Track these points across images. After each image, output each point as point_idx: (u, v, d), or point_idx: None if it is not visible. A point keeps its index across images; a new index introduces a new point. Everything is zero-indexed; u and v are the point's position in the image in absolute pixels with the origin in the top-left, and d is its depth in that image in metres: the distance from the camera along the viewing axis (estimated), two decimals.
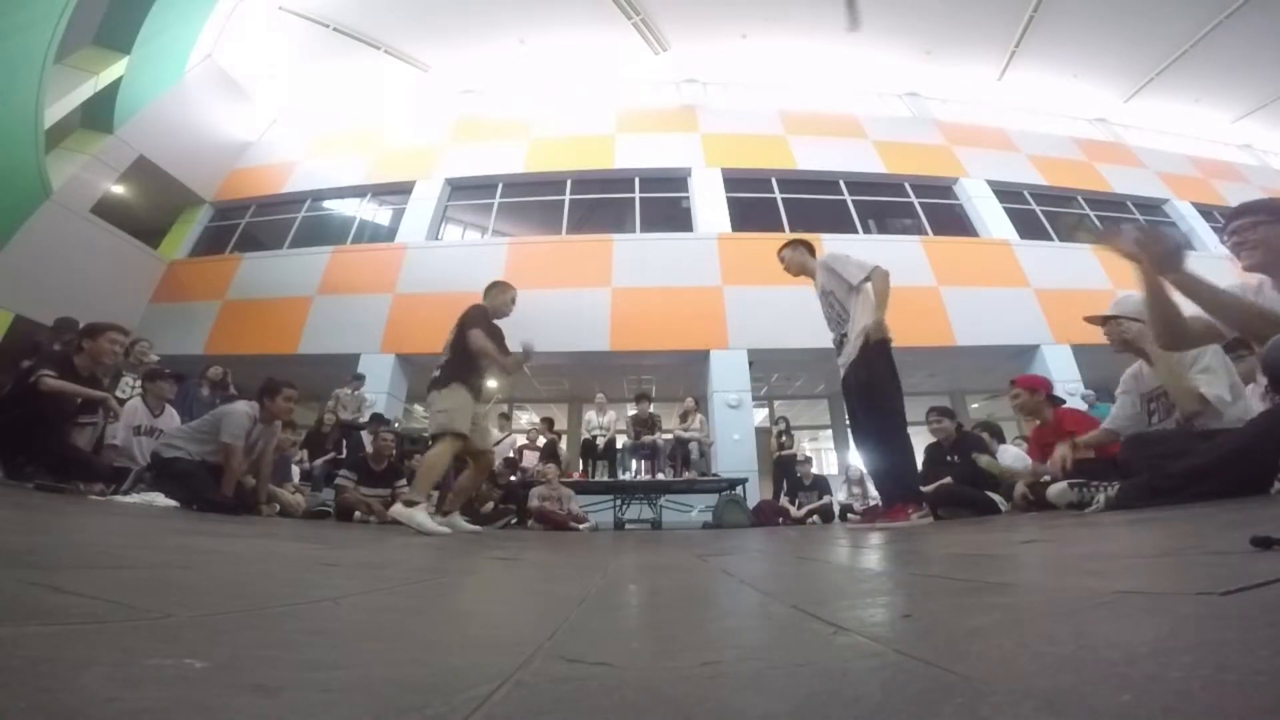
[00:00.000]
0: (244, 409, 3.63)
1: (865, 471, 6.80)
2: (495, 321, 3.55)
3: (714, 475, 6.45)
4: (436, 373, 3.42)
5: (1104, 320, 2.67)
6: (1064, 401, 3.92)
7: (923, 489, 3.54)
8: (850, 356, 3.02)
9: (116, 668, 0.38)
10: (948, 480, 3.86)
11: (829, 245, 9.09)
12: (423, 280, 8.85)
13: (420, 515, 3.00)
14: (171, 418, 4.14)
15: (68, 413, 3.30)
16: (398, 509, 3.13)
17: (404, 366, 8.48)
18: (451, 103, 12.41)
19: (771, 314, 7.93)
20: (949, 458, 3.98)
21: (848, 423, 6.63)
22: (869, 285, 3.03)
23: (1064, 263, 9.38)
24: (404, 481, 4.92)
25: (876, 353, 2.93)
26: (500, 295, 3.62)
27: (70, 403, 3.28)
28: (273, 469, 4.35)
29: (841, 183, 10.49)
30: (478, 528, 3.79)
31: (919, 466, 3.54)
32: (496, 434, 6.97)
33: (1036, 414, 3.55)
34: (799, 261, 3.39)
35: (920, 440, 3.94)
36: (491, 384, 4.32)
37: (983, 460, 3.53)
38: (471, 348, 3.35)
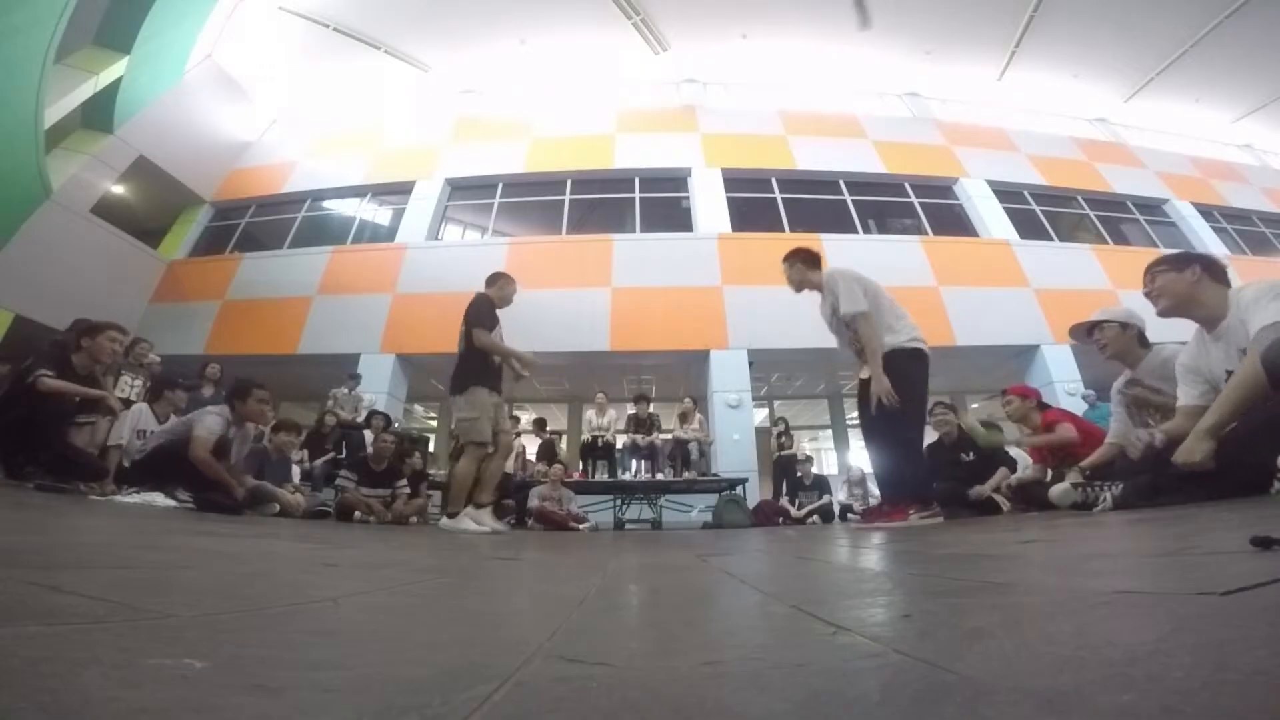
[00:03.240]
0: (216, 413, 3.62)
1: (865, 471, 6.83)
2: (497, 312, 3.70)
3: (714, 475, 6.45)
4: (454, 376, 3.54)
5: (1089, 330, 2.67)
6: (1049, 408, 3.90)
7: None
8: (877, 376, 2.91)
9: (116, 668, 0.38)
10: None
11: (829, 245, 9.13)
12: (423, 280, 8.85)
13: (466, 522, 3.26)
14: None
15: (66, 412, 3.30)
16: (445, 523, 3.37)
17: (404, 366, 8.48)
18: (451, 103, 12.42)
19: (771, 314, 7.92)
20: (963, 455, 3.87)
21: (781, 452, 6.53)
22: (859, 323, 2.98)
23: (1064, 263, 9.39)
24: (404, 482, 4.93)
25: (901, 363, 2.91)
26: (507, 287, 3.81)
27: (69, 402, 3.28)
28: (274, 469, 4.36)
29: (841, 183, 10.49)
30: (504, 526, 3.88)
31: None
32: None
33: (1025, 420, 3.63)
34: (798, 279, 3.28)
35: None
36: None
37: (978, 433, 3.53)
38: (479, 345, 3.47)
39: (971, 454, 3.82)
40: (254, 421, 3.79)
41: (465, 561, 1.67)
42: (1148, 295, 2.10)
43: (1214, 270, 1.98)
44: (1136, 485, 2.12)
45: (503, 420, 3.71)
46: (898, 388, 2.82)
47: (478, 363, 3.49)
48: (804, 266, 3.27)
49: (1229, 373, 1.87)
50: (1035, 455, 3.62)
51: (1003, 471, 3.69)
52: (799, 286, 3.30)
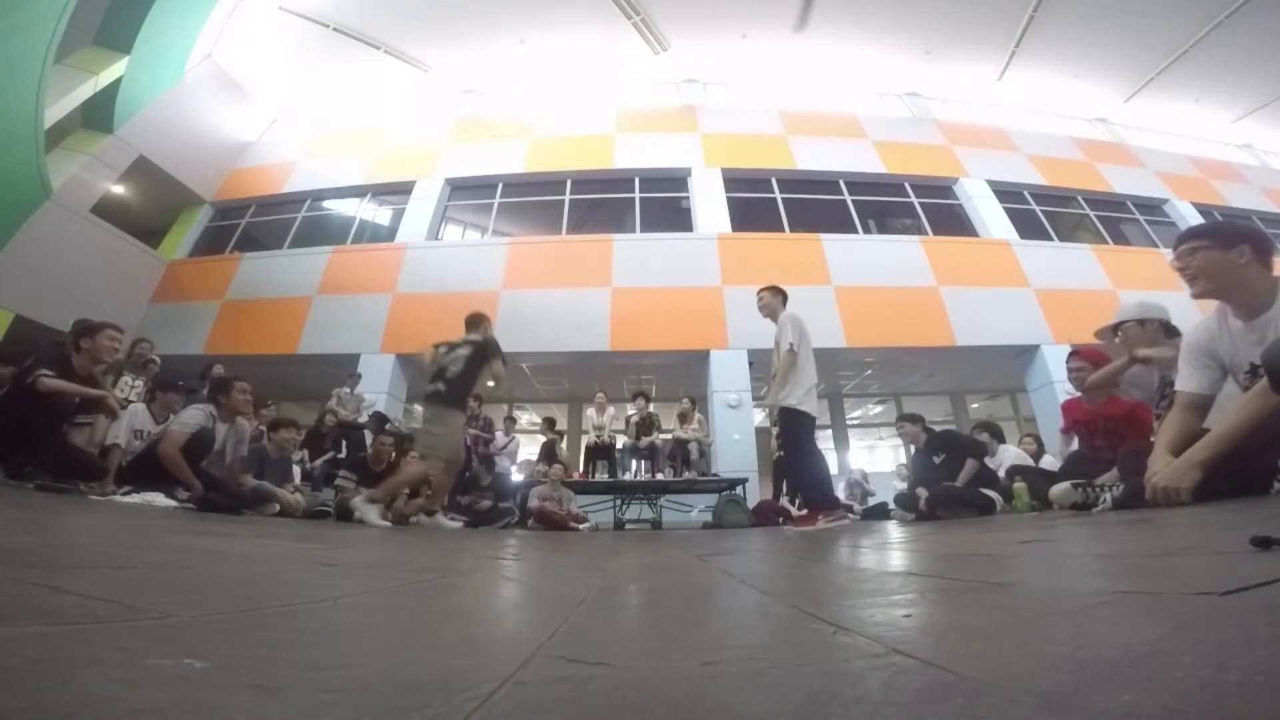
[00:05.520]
0: (197, 408, 3.66)
1: (865, 472, 6.82)
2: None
3: (714, 475, 6.45)
4: (441, 386, 3.78)
5: (1114, 330, 2.61)
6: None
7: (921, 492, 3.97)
8: (774, 405, 3.75)
9: (116, 668, 0.38)
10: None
11: (829, 245, 9.16)
12: (423, 280, 8.85)
13: (373, 513, 3.55)
14: None
15: (66, 412, 3.30)
16: (358, 500, 3.60)
17: (404, 366, 8.48)
18: (451, 103, 12.42)
19: None
20: (935, 457, 4.07)
21: (781, 452, 6.61)
22: (787, 357, 3.63)
23: (1064, 263, 9.38)
24: None
25: (788, 414, 3.61)
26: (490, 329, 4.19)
27: (69, 402, 3.28)
28: (274, 469, 4.36)
29: (841, 183, 10.49)
30: (458, 523, 4.07)
31: (910, 475, 4.17)
32: (502, 438, 6.99)
33: (1092, 392, 3.16)
34: (771, 306, 3.93)
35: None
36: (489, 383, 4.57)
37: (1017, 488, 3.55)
38: (497, 376, 3.92)
39: (943, 454, 4.05)
40: (240, 414, 3.79)
41: (465, 562, 1.67)
42: (1181, 271, 1.78)
43: (1264, 252, 1.68)
44: (1136, 486, 2.12)
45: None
46: (787, 429, 3.65)
47: (466, 390, 3.87)
48: (782, 300, 3.98)
49: (1255, 366, 1.64)
50: (1067, 423, 3.37)
51: (971, 464, 3.86)
52: (768, 314, 3.96)
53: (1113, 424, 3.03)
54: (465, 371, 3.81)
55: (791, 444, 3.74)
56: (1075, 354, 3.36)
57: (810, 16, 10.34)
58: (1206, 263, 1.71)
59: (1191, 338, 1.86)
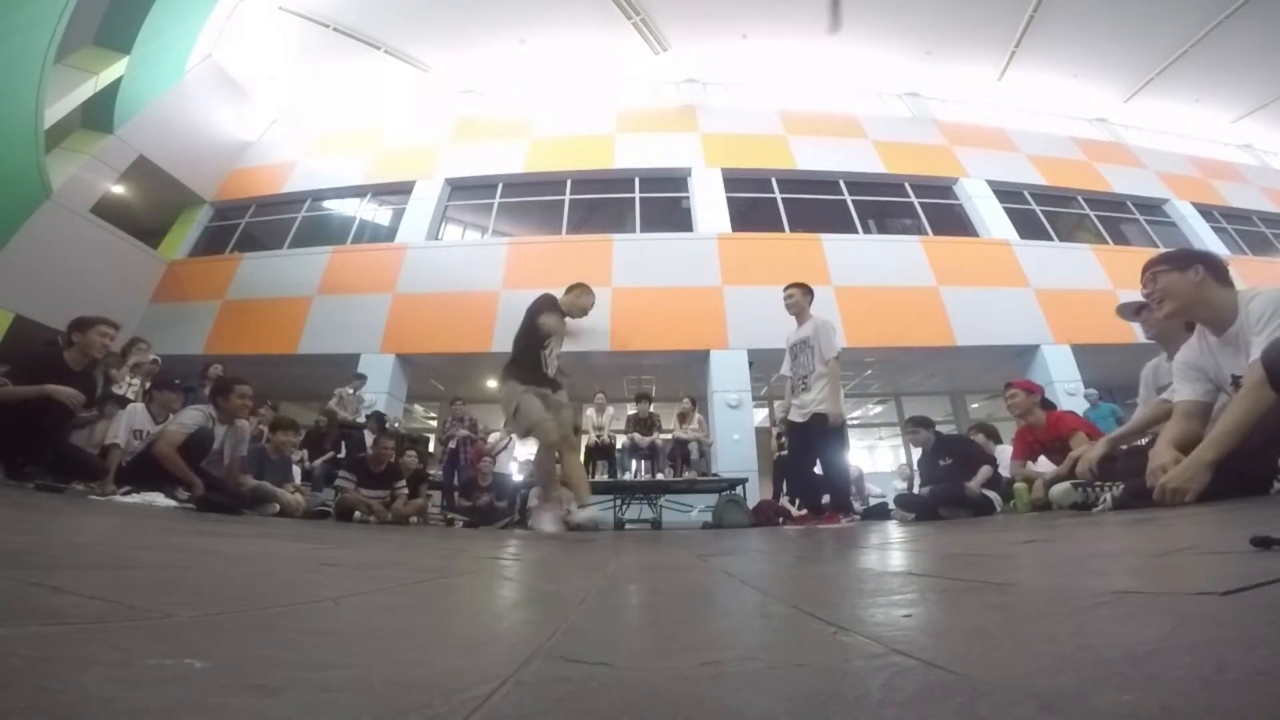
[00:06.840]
0: (196, 409, 3.67)
1: (863, 471, 6.80)
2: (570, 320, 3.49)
3: (714, 475, 6.44)
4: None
5: (1136, 310, 2.53)
6: (1054, 406, 4.06)
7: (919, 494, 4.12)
8: (810, 411, 3.83)
9: (116, 668, 0.38)
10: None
11: (829, 245, 9.16)
12: (423, 280, 8.85)
13: (546, 522, 3.03)
14: None
15: (63, 414, 3.27)
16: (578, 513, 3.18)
17: (404, 366, 8.48)
18: (451, 103, 12.42)
19: (771, 314, 7.91)
20: (941, 461, 4.10)
21: (782, 452, 6.52)
22: (834, 365, 3.81)
23: (1064, 263, 9.38)
24: (402, 482, 4.93)
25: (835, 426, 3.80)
26: (581, 297, 3.54)
27: (57, 403, 3.21)
28: (274, 469, 4.36)
29: (841, 183, 10.49)
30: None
31: (916, 477, 4.34)
32: (498, 437, 6.97)
33: (1027, 415, 3.65)
34: (800, 304, 4.09)
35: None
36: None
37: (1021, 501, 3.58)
38: (541, 331, 3.30)
39: (949, 458, 4.10)
40: (239, 415, 3.78)
41: (465, 562, 1.67)
42: (1148, 297, 1.98)
43: (1217, 270, 1.85)
44: (1136, 486, 2.12)
45: (564, 418, 3.44)
46: (832, 436, 3.84)
47: (518, 361, 3.33)
48: (810, 298, 4.15)
49: (1236, 378, 1.75)
50: (1017, 453, 3.69)
51: (985, 470, 3.85)
52: (798, 312, 4.10)
53: (1059, 442, 3.37)
54: (517, 337, 3.39)
55: (827, 446, 3.88)
56: (1010, 384, 3.77)
57: (841, 17, 10.20)
58: (1167, 285, 1.90)
59: (1181, 356, 2.02)
